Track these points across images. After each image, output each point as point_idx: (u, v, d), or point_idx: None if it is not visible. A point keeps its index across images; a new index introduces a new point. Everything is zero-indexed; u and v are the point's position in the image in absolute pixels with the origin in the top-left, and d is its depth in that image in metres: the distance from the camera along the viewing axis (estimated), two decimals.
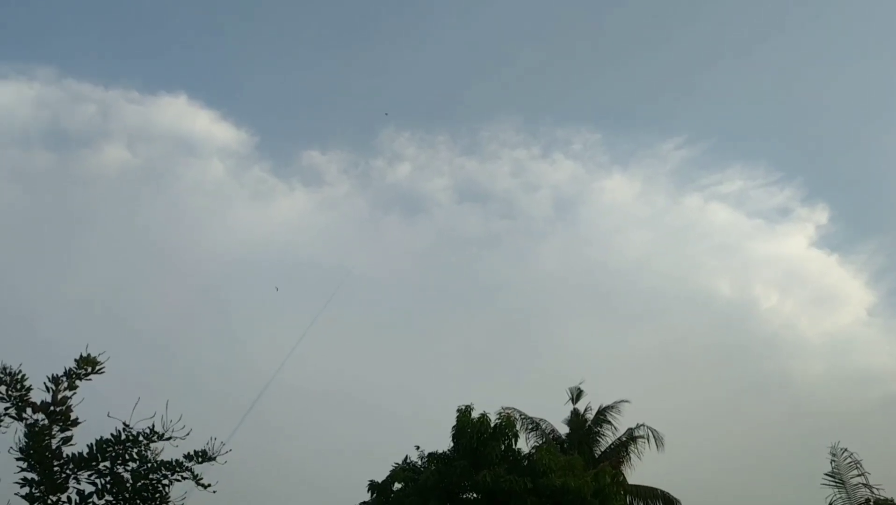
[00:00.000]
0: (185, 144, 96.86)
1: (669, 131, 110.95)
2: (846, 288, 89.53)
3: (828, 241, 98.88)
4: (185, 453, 8.64)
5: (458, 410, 22.27)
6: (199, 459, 8.65)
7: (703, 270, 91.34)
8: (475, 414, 22.22)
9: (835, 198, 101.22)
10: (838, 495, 25.67)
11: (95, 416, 8.60)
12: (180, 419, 8.38)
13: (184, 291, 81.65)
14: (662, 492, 28.07)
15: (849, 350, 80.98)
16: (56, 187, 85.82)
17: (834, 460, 25.86)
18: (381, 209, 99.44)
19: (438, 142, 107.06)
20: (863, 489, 25.39)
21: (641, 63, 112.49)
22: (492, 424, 22.13)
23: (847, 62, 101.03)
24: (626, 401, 30.99)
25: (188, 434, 8.41)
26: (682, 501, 27.68)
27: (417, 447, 23.28)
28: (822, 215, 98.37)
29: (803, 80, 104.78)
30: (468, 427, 21.73)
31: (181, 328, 76.64)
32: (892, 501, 26.56)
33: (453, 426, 22.24)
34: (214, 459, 8.69)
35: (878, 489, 25.41)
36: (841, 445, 26.12)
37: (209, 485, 8.72)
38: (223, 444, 8.67)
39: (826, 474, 25.86)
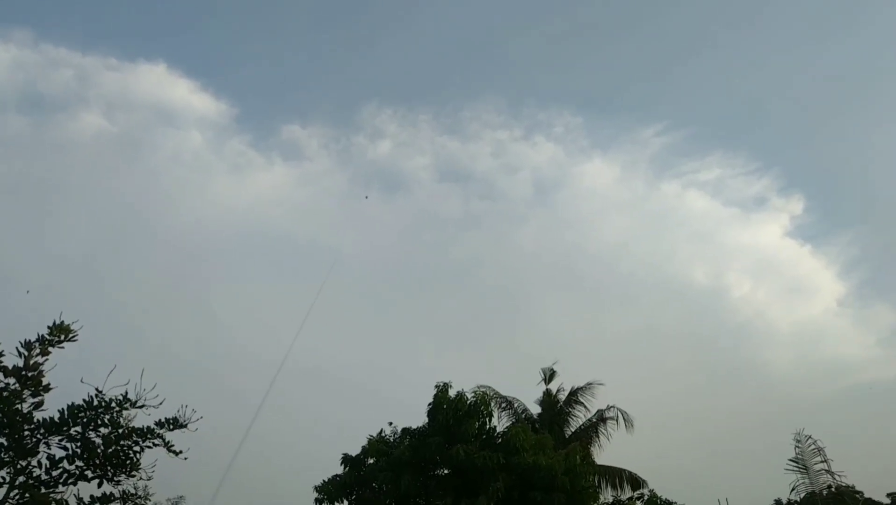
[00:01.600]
0: (163, 114, 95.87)
1: (651, 118, 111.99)
2: (818, 278, 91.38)
3: (802, 232, 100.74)
4: (157, 420, 8.65)
5: (436, 387, 22.37)
6: (171, 427, 8.66)
7: (678, 257, 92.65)
8: (451, 392, 22.36)
9: (811, 189, 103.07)
10: (801, 480, 26.30)
11: (68, 383, 8.56)
12: (154, 388, 8.37)
13: (159, 261, 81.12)
14: (630, 473, 28.47)
15: (818, 340, 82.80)
16: (30, 152, 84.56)
17: (798, 446, 26.47)
18: (360, 186, 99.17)
19: (420, 120, 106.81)
20: (825, 475, 26.02)
21: (626, 49, 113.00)
22: (468, 403, 22.29)
23: (827, 54, 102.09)
24: (601, 383, 31.22)
25: (161, 403, 8.41)
26: (648, 483, 28.09)
27: (391, 423, 23.45)
28: (797, 206, 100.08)
29: (784, 70, 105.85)
30: (444, 404, 21.87)
31: (155, 298, 76.15)
32: (853, 487, 27.24)
33: (430, 403, 22.35)
34: (185, 426, 8.71)
35: (840, 476, 26.06)
36: (805, 433, 26.75)
37: (180, 452, 8.73)
38: (194, 411, 8.69)
39: (790, 460, 26.48)
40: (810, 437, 26.66)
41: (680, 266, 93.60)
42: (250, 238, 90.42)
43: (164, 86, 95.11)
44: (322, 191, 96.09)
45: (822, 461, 26.27)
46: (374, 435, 23.04)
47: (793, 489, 26.80)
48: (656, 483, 28.36)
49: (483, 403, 22.71)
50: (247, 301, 79.01)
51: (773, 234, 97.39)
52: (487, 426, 22.74)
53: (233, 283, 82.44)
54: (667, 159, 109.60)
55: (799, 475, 26.54)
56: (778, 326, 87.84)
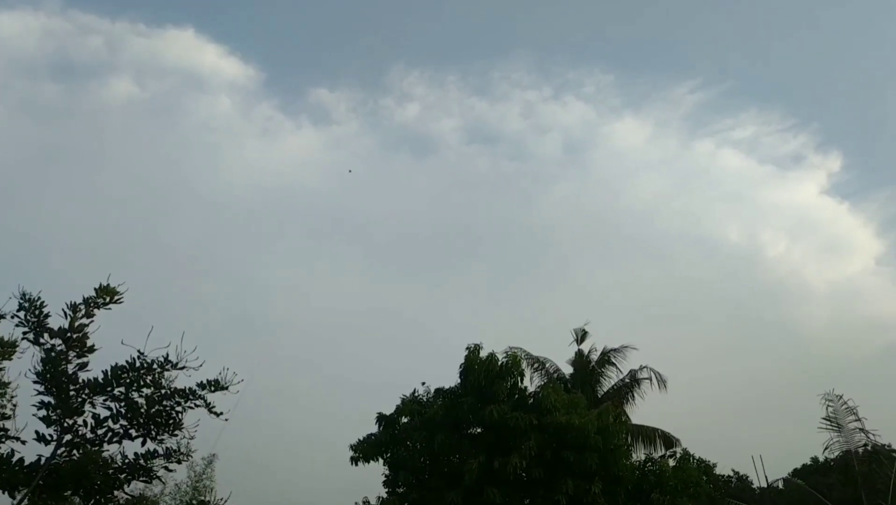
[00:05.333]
0: (192, 79, 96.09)
1: (684, 74, 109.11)
2: (855, 236, 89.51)
3: (839, 189, 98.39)
4: (198, 382, 8.79)
5: (467, 349, 22.47)
6: (212, 388, 8.79)
7: (712, 217, 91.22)
8: (483, 353, 22.46)
9: (849, 145, 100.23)
10: (835, 439, 25.99)
11: (114, 345, 8.72)
12: (195, 350, 8.49)
13: (192, 225, 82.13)
14: (662, 431, 28.50)
15: (855, 298, 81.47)
16: (64, 120, 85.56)
17: (830, 405, 26.07)
18: (389, 149, 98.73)
19: (448, 81, 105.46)
20: (860, 434, 25.69)
21: (658, 1, 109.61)
22: (499, 363, 22.39)
23: (870, 6, 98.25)
24: (634, 348, 31.15)
25: (201, 365, 8.53)
26: (681, 441, 28.10)
27: (423, 383, 23.71)
28: (835, 163, 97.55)
29: (824, 22, 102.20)
30: (476, 365, 21.99)
31: (189, 260, 77.36)
32: (889, 446, 26.93)
33: (461, 364, 22.47)
34: (227, 388, 8.83)
35: (874, 434, 25.72)
36: (838, 392, 26.33)
37: (221, 413, 8.89)
38: (235, 374, 8.81)
39: (823, 419, 26.12)
40: (841, 396, 26.25)
41: (713, 226, 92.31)
42: (280, 201, 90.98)
43: (193, 51, 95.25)
44: (351, 155, 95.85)
45: (856, 420, 25.91)
46: (408, 395, 23.33)
47: (826, 448, 26.56)
48: (690, 441, 28.33)
49: (515, 363, 22.80)
50: (278, 262, 79.99)
51: (809, 192, 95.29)
52: (519, 386, 22.87)
53: (264, 244, 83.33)
54: (700, 117, 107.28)
55: (832, 434, 26.23)
56: (814, 284, 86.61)
